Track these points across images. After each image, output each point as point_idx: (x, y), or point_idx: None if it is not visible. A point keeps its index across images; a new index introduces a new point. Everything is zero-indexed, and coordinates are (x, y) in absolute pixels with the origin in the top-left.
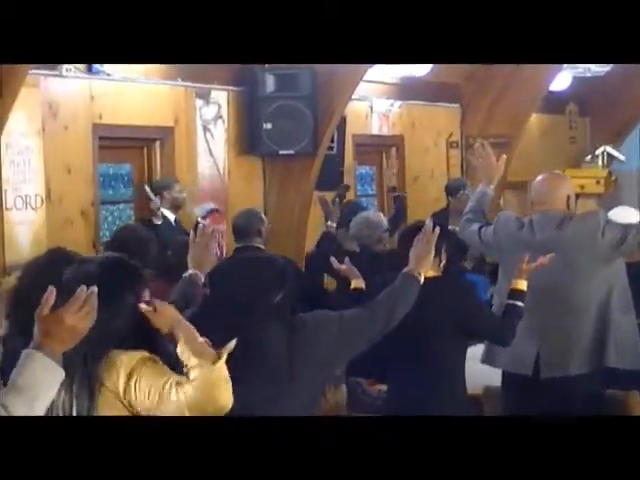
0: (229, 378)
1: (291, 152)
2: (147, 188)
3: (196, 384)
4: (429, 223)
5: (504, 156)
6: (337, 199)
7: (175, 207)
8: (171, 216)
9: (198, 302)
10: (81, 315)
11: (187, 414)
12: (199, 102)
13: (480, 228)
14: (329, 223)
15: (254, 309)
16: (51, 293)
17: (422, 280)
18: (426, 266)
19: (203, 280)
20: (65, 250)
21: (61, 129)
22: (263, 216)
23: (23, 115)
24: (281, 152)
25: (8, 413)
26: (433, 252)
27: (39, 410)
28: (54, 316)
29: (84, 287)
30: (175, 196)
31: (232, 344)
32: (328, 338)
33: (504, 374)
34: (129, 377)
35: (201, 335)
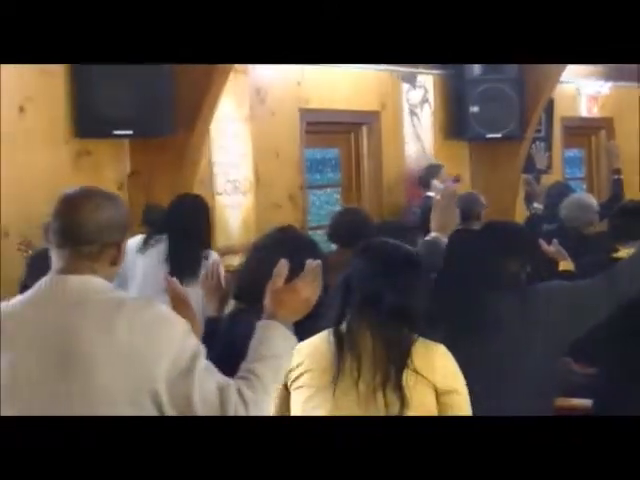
0: None
1: (498, 135)
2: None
3: None
4: None
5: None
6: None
7: None
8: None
9: (440, 266)
10: (312, 288)
11: None
12: (405, 86)
13: None
14: (535, 205)
15: (490, 278)
16: (283, 265)
17: None
18: None
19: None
20: (294, 229)
21: (269, 114)
22: (483, 199)
23: (232, 101)
24: (488, 136)
25: (261, 382)
26: None
27: (280, 380)
28: (290, 287)
29: (312, 260)
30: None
31: None
32: (562, 309)
33: None
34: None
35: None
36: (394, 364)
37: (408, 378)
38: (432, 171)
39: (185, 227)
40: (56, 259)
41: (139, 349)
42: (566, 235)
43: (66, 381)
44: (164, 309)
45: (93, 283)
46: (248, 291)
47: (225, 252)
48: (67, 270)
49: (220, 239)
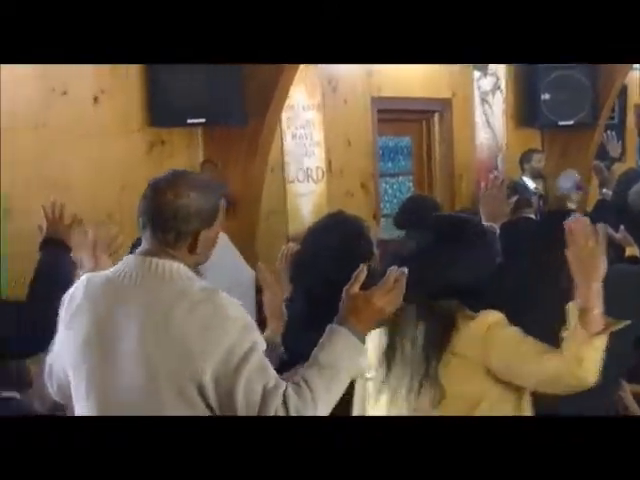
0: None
1: (570, 123)
2: (526, 179)
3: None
4: None
5: None
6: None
7: (535, 176)
8: (531, 184)
9: (498, 254)
10: (390, 298)
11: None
12: (477, 74)
13: None
14: (604, 190)
15: (554, 265)
16: (362, 271)
17: None
18: None
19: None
20: (345, 214)
21: (341, 103)
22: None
23: (303, 90)
24: (560, 123)
25: (310, 391)
26: None
27: (336, 390)
28: (364, 295)
29: (395, 268)
30: (534, 166)
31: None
32: (628, 292)
33: None
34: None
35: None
36: (428, 349)
37: (446, 363)
38: (525, 156)
39: None
40: (143, 240)
41: (192, 340)
42: (633, 221)
43: (124, 357)
44: (226, 304)
45: (167, 268)
46: (300, 275)
47: (296, 239)
48: (148, 252)
49: (292, 226)
